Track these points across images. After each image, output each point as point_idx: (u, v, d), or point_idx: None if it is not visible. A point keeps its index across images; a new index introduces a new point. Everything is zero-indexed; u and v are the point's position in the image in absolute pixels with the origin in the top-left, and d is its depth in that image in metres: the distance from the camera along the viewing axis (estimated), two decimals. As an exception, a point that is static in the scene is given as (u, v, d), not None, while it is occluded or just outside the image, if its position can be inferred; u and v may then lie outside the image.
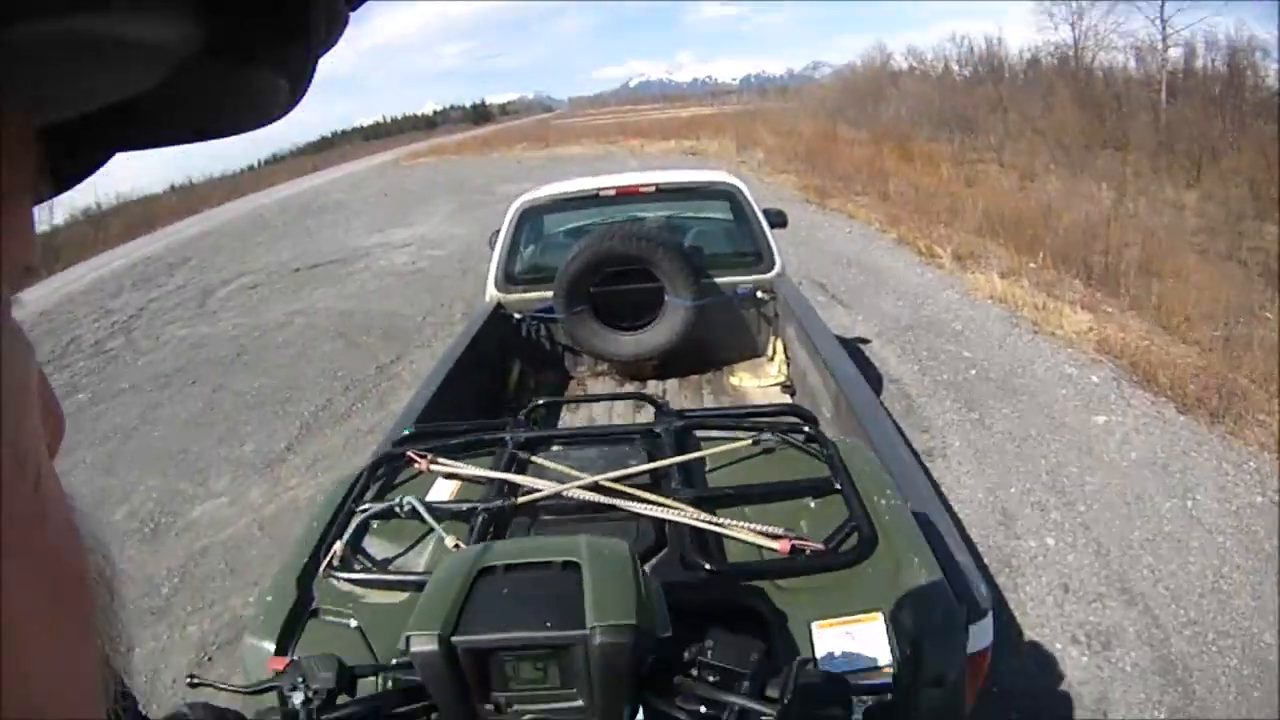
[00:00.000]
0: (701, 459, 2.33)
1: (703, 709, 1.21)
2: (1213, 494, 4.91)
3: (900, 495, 2.12)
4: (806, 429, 2.40)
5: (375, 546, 2.11)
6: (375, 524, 2.17)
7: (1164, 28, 22.92)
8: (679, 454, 2.29)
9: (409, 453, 2.43)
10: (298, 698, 1.30)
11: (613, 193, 5.47)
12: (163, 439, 7.18)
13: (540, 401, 3.08)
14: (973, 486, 5.08)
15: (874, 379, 6.59)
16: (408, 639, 1.23)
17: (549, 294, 5.08)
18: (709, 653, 1.25)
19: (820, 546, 1.87)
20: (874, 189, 16.40)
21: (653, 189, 5.48)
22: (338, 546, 2.03)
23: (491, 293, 5.39)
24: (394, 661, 1.50)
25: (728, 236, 5.61)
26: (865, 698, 1.26)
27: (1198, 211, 15.10)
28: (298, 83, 0.35)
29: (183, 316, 11.28)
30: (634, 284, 5.00)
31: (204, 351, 9.31)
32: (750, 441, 2.37)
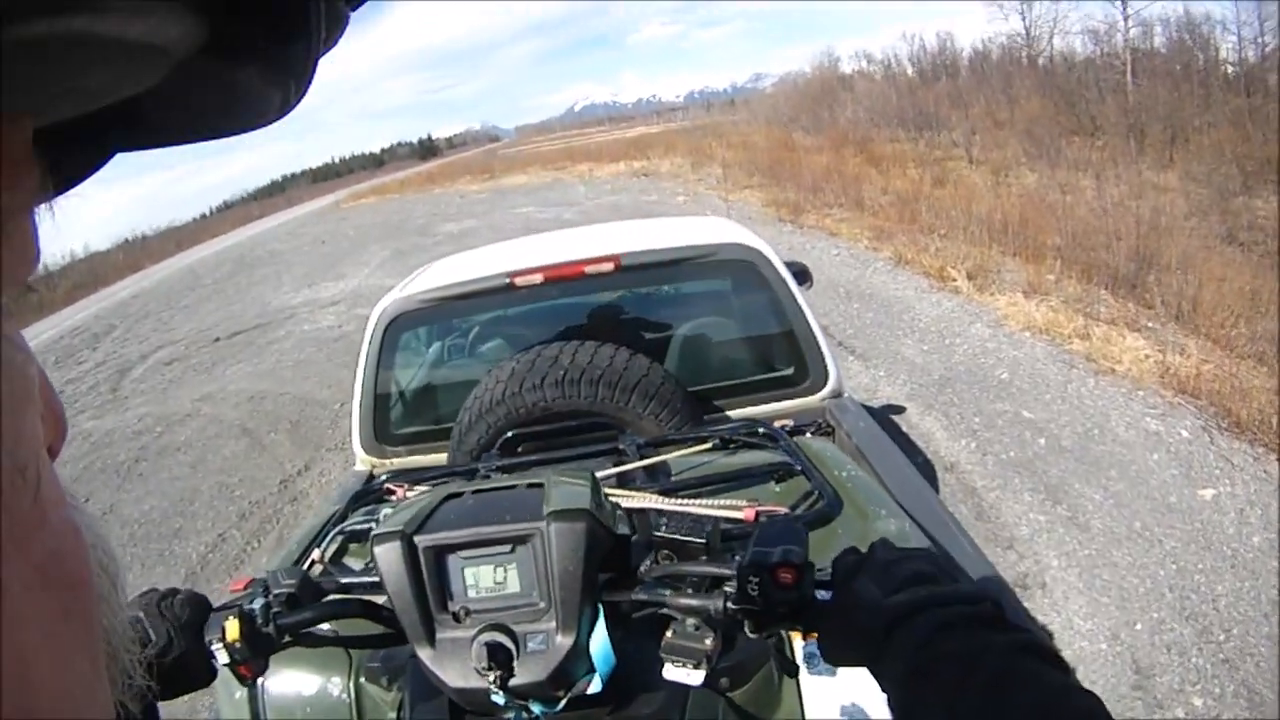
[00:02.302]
0: (664, 462, 2.36)
1: (662, 590, 1.21)
2: None
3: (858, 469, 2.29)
4: (761, 429, 2.51)
5: (353, 562, 2.13)
6: (353, 546, 2.21)
7: (1125, 5, 22.58)
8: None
9: (389, 485, 2.52)
10: (259, 603, 1.30)
11: (539, 279, 3.29)
12: None
13: (510, 433, 2.85)
14: (1091, 632, 3.99)
15: (924, 468, 5.24)
16: (372, 539, 1.26)
17: (445, 456, 3.18)
18: (663, 527, 1.41)
19: (785, 510, 1.91)
20: (847, 198, 15.45)
21: (610, 267, 3.29)
22: (316, 554, 2.12)
23: (360, 456, 3.48)
24: (358, 580, 1.72)
25: (747, 340, 3.61)
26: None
27: (1183, 193, 14.91)
28: (298, 83, 0.36)
29: (93, 404, 10.50)
30: (587, 437, 2.89)
31: (104, 455, 8.42)
32: (711, 446, 2.45)
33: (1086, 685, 1.70)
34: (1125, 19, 22.45)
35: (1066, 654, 1.89)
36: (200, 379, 10.51)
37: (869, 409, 3.33)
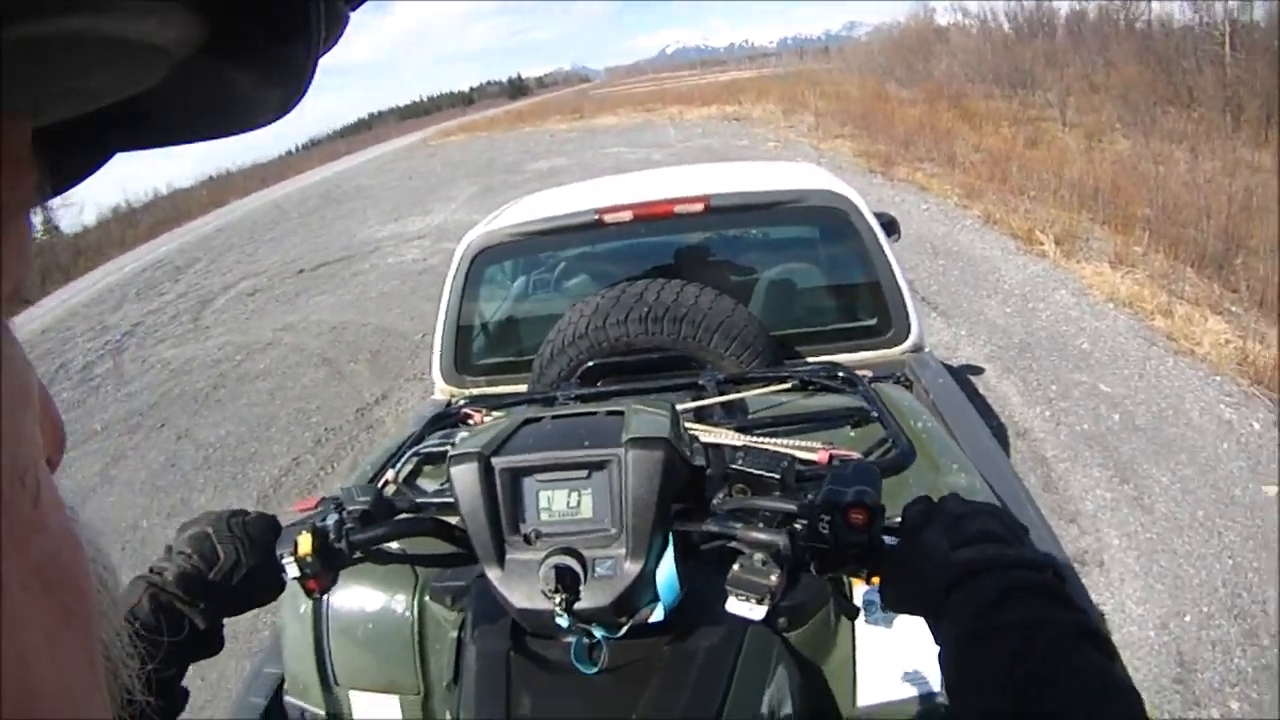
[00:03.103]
0: (743, 399, 2.37)
1: (733, 523, 1.21)
2: None
3: (934, 420, 2.26)
4: (841, 373, 2.50)
5: (427, 484, 2.13)
6: (428, 468, 2.23)
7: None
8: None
9: (465, 409, 2.56)
10: (332, 519, 1.34)
11: (628, 216, 3.27)
12: (114, 509, 6.25)
13: (591, 363, 2.86)
14: (1141, 618, 3.99)
15: (997, 431, 5.25)
16: (449, 459, 1.28)
17: (525, 388, 3.17)
18: (739, 461, 1.32)
19: (858, 455, 1.89)
20: (939, 153, 15.10)
21: (700, 208, 3.25)
22: (390, 475, 2.11)
23: (439, 385, 3.50)
24: (431, 500, 1.65)
25: (833, 289, 3.60)
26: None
27: (1276, 174, 14.25)
28: (298, 82, 0.35)
29: (174, 334, 10.58)
30: (667, 374, 2.85)
31: (183, 382, 8.54)
32: (789, 386, 2.46)
33: (1131, 671, 1.80)
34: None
35: (1115, 637, 1.92)
36: (282, 309, 10.56)
37: (948, 367, 3.28)
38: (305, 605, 1.89)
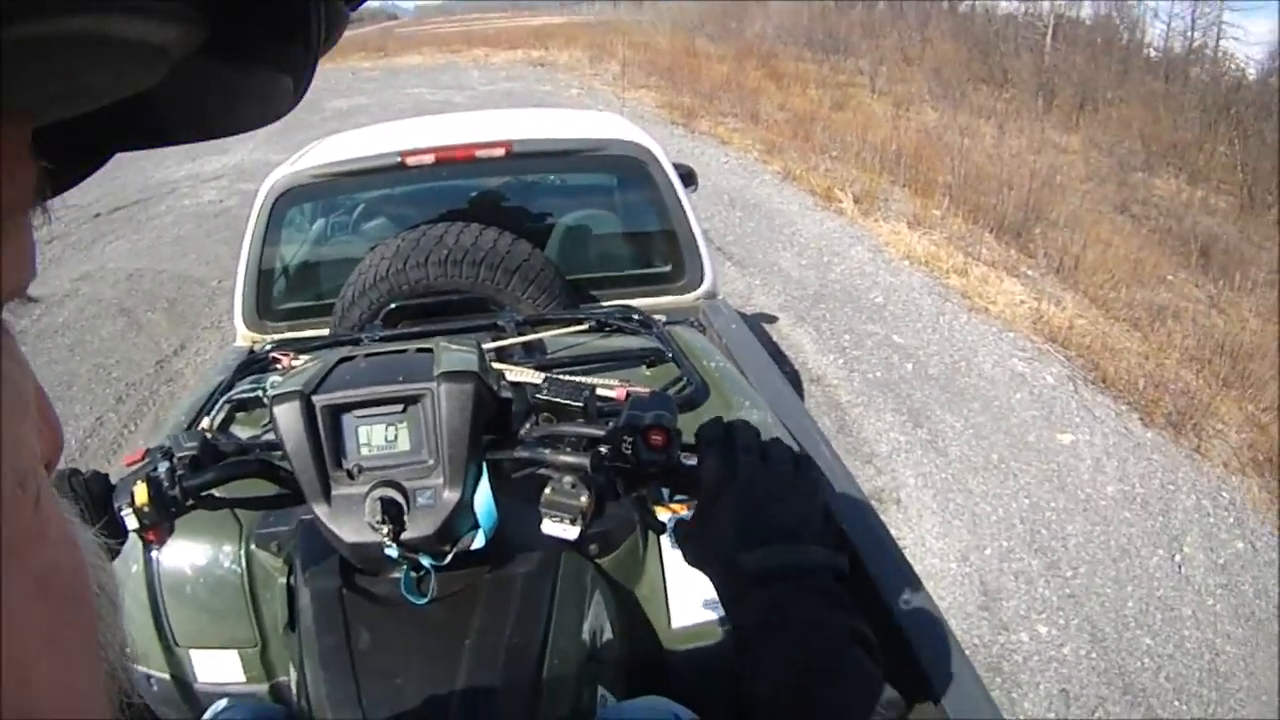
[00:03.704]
0: (541, 340, 2.51)
1: (541, 449, 1.28)
2: (1198, 541, 4.49)
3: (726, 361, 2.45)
4: (636, 316, 2.65)
5: (241, 431, 2.14)
6: (240, 414, 2.27)
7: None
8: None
9: (274, 354, 2.63)
10: (164, 466, 1.35)
11: (430, 160, 3.29)
12: None
13: (393, 305, 2.92)
14: (943, 551, 4.16)
15: (791, 377, 5.38)
16: (270, 399, 1.29)
17: (327, 332, 3.16)
18: (543, 391, 1.43)
19: (655, 390, 1.93)
20: (743, 110, 15.43)
21: (502, 153, 3.28)
22: (205, 422, 2.17)
23: (241, 331, 3.43)
24: (254, 443, 1.59)
25: (629, 236, 3.71)
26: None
27: (1083, 157, 15.27)
28: (299, 80, 0.37)
29: None
30: (468, 316, 2.91)
31: None
32: (586, 328, 2.61)
33: (936, 599, 1.94)
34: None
35: (917, 569, 2.00)
36: (79, 258, 9.97)
37: (742, 315, 3.43)
38: (137, 567, 1.89)
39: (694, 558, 1.08)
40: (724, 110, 15.48)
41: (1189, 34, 21.88)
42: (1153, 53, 22.35)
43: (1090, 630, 3.83)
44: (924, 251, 8.12)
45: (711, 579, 1.03)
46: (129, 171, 14.44)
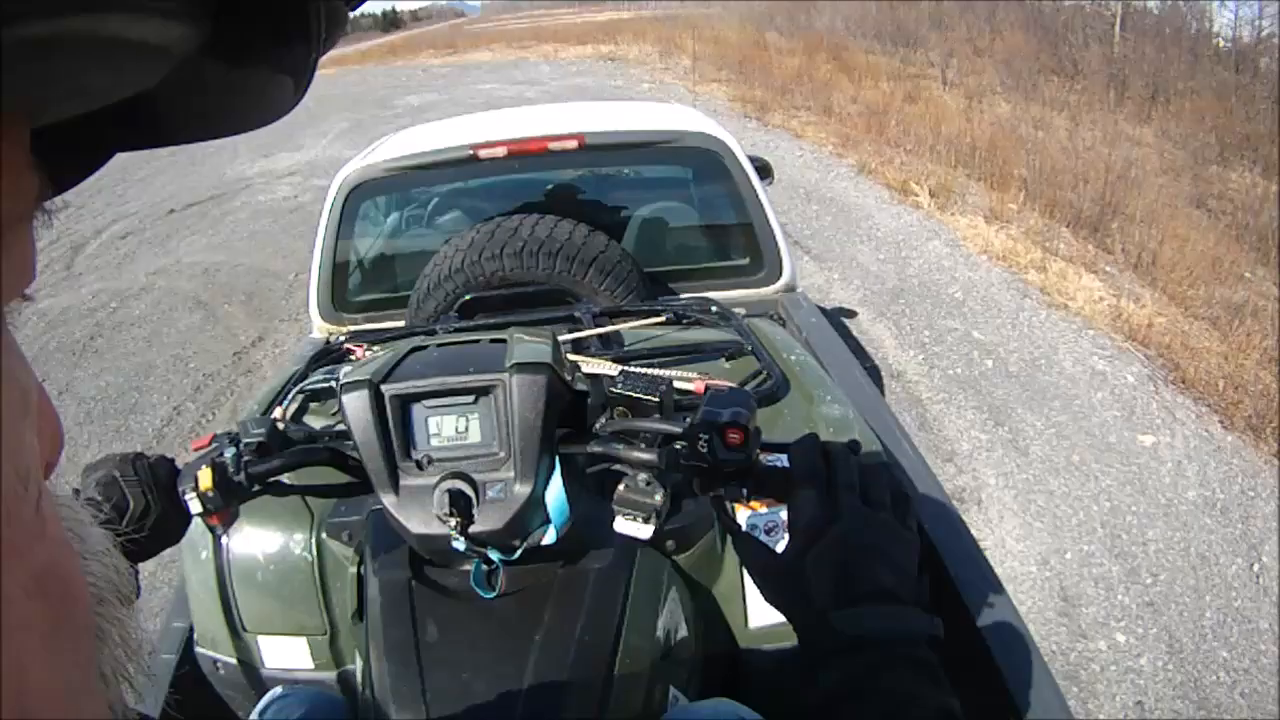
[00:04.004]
0: (618, 332, 2.44)
1: (616, 445, 1.25)
2: (1276, 551, 4.27)
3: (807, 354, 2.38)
4: (715, 308, 2.59)
5: (314, 420, 2.14)
6: (313, 405, 2.23)
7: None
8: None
9: (348, 344, 2.59)
10: (230, 452, 1.37)
11: (503, 152, 3.27)
12: None
13: (468, 297, 2.92)
14: (1022, 554, 4.10)
15: (871, 372, 5.27)
16: (340, 388, 1.29)
17: (402, 323, 3.18)
18: (618, 385, 1.33)
19: (734, 385, 1.92)
20: (816, 103, 15.24)
21: (574, 145, 3.27)
22: (277, 412, 2.11)
23: (317, 323, 3.48)
24: (324, 431, 1.76)
25: (706, 228, 3.68)
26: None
27: (1156, 150, 14.94)
28: (299, 81, 0.37)
29: (48, 283, 9.84)
30: (543, 308, 2.87)
31: (60, 334, 8.09)
32: (664, 320, 2.52)
33: (1016, 603, 1.91)
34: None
35: (998, 571, 2.00)
36: (154, 252, 10.17)
37: (820, 309, 3.39)
38: (206, 553, 1.89)
39: (777, 601, 1.03)
40: (797, 104, 15.32)
41: (1257, 22, 21.35)
42: (1222, 42, 21.83)
43: (1168, 640, 3.74)
44: (1002, 246, 7.99)
45: (796, 630, 0.99)
46: (202, 168, 14.57)
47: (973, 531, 2.64)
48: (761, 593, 1.04)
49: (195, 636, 1.96)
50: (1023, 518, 4.36)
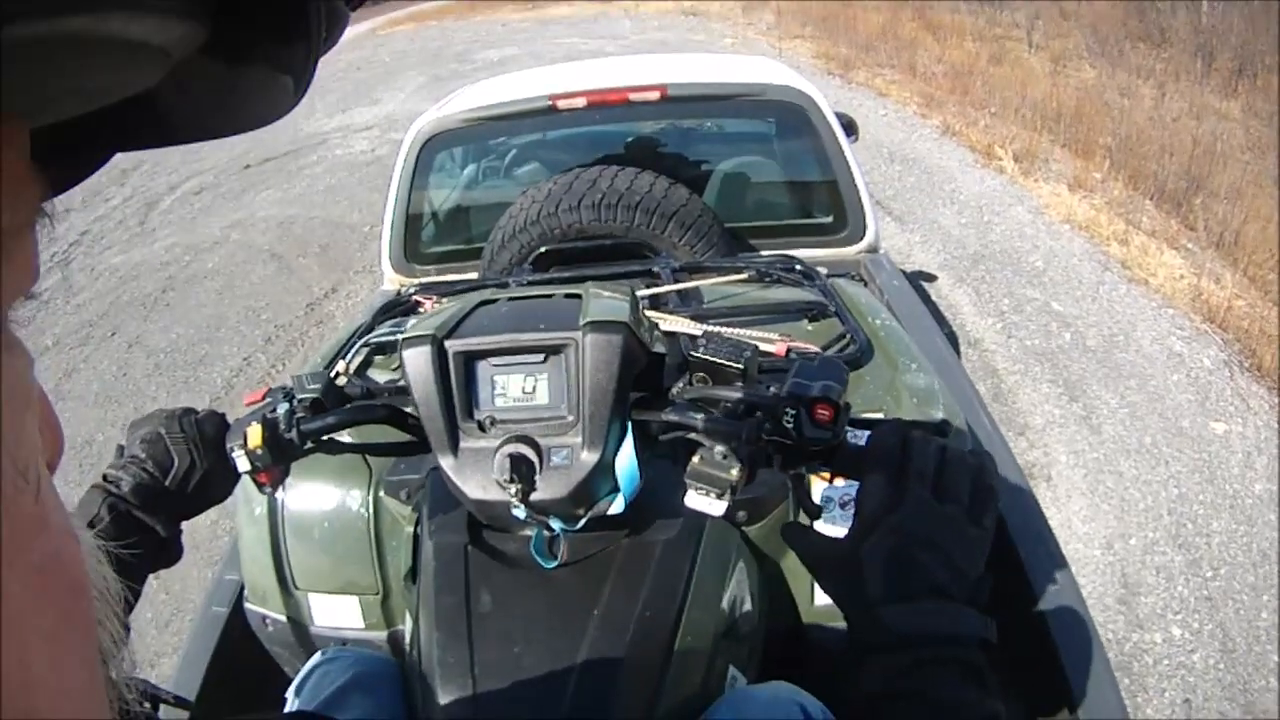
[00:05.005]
0: (698, 288, 2.38)
1: (693, 414, 1.19)
2: None
3: (892, 318, 2.24)
4: (799, 266, 2.50)
5: (378, 375, 2.10)
6: (378, 358, 2.20)
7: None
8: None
9: (416, 297, 2.51)
10: (282, 408, 1.36)
11: (582, 103, 3.18)
12: (69, 425, 5.81)
13: (543, 249, 2.85)
14: (1087, 536, 4.03)
15: (949, 338, 4.99)
16: (401, 343, 1.24)
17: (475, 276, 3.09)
18: (700, 348, 1.29)
19: (817, 349, 1.92)
20: (900, 61, 14.95)
21: (656, 96, 3.16)
22: (340, 366, 2.07)
23: (389, 275, 3.43)
24: (384, 387, 1.72)
25: (789, 184, 3.53)
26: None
27: (1243, 125, 14.46)
28: (299, 81, 0.37)
29: (121, 239, 10.03)
30: (621, 262, 2.79)
31: (132, 288, 8.19)
32: (746, 277, 2.43)
33: (1085, 603, 1.85)
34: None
35: (1064, 550, 1.95)
36: (229, 207, 10.20)
37: (901, 271, 3.30)
38: (260, 508, 1.85)
39: (830, 589, 0.99)
40: (880, 62, 15.05)
41: (1353, -6, 20.68)
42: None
43: (1222, 638, 3.66)
44: (1084, 216, 7.81)
45: (847, 620, 0.95)
46: (277, 127, 14.71)
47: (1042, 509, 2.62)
48: (817, 580, 1.02)
49: (245, 592, 1.95)
50: (1091, 498, 4.28)
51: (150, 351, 6.71)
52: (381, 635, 1.81)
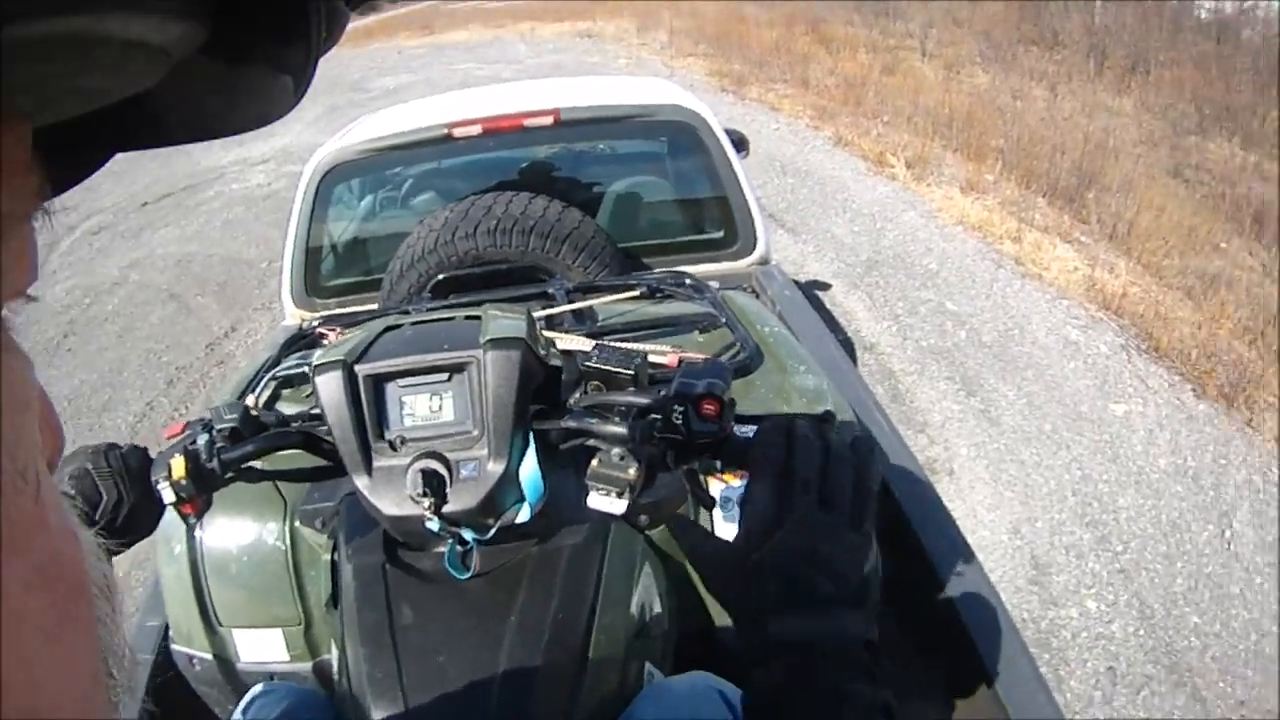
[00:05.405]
0: (592, 307, 2.43)
1: (590, 419, 1.27)
2: (1248, 518, 4.35)
3: (781, 326, 2.36)
4: (688, 280, 2.55)
5: (286, 407, 2.06)
6: (286, 391, 2.21)
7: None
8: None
9: (321, 329, 2.55)
10: (203, 439, 1.37)
11: (478, 130, 3.25)
12: None
13: (441, 277, 2.91)
14: (993, 524, 4.13)
15: (844, 344, 5.04)
16: (313, 369, 1.29)
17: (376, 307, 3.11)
18: (593, 359, 1.38)
19: (707, 357, 1.95)
20: (793, 75, 15.19)
21: (550, 121, 3.25)
22: (250, 399, 2.06)
23: (289, 309, 3.43)
24: (297, 415, 1.66)
25: (681, 202, 3.67)
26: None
27: (1135, 120, 15.00)
28: (299, 80, 0.37)
29: None
30: (517, 286, 2.82)
31: (33, 333, 7.85)
32: (638, 294, 2.50)
33: (987, 571, 1.99)
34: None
35: (969, 540, 2.05)
36: (128, 245, 10.13)
37: (795, 282, 3.42)
38: (180, 546, 1.85)
39: (718, 594, 1.07)
40: (774, 77, 15.30)
41: (1241, -9, 21.47)
42: (1204, 13, 21.94)
43: (1139, 607, 3.79)
44: (977, 217, 8.00)
45: (736, 626, 1.01)
46: (176, 158, 14.48)
47: (945, 502, 2.68)
48: (704, 584, 1.10)
49: (170, 634, 1.94)
50: (994, 487, 4.38)
51: (55, 399, 6.47)
52: (307, 666, 1.82)
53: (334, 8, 0.35)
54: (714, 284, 2.63)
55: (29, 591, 0.29)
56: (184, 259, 9.03)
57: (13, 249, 0.29)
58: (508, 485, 1.25)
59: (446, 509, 1.22)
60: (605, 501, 1.19)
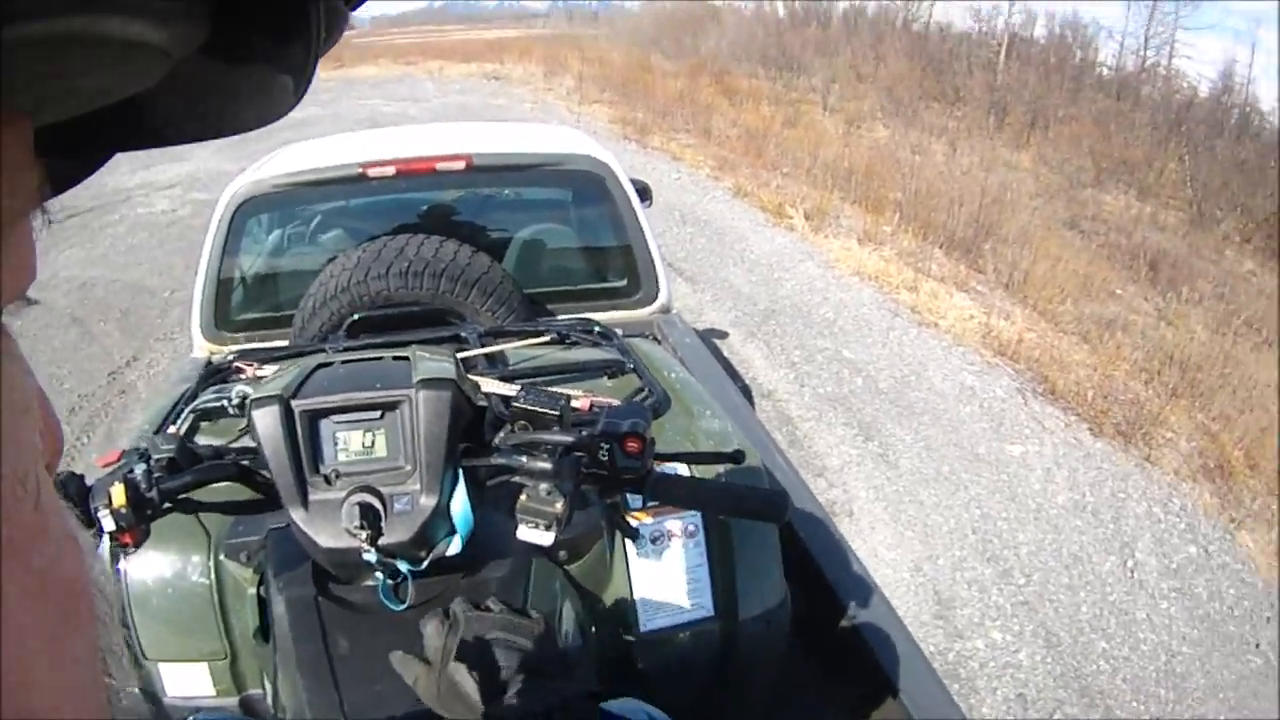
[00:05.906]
0: (502, 352, 2.51)
1: (518, 456, 1.35)
2: (1150, 547, 4.61)
3: (686, 372, 2.51)
4: (596, 328, 2.67)
5: (205, 440, 2.02)
6: (204, 424, 2.21)
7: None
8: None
9: (237, 363, 2.56)
10: (140, 469, 1.34)
11: (391, 172, 3.35)
12: None
13: (356, 317, 2.94)
14: (895, 562, 4.22)
15: (743, 391, 5.11)
16: (250, 404, 1.34)
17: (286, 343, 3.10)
18: (520, 400, 1.43)
19: (618, 403, 1.96)
20: (696, 125, 15.56)
21: (462, 166, 3.35)
22: (171, 430, 2.08)
23: (198, 342, 3.41)
24: (232, 447, 1.62)
25: (586, 250, 3.79)
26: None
27: (1033, 174, 15.46)
28: (299, 80, 0.37)
29: None
30: (429, 328, 2.89)
31: None
32: (547, 340, 2.60)
33: (892, 606, 2.12)
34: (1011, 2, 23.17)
35: (876, 576, 2.22)
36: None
37: (694, 330, 3.53)
38: (102, 579, 1.72)
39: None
40: (677, 126, 15.58)
41: (1142, 52, 22.27)
42: (1105, 71, 22.68)
43: (1045, 635, 3.91)
44: (874, 267, 8.21)
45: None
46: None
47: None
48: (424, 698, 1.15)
49: None
50: (894, 527, 4.47)
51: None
52: (233, 701, 1.84)
53: (334, 7, 0.36)
54: (619, 331, 2.73)
55: (29, 598, 0.29)
56: (88, 283, 8.87)
57: (12, 249, 0.29)
58: (439, 519, 1.31)
59: (382, 541, 1.28)
60: (534, 534, 1.27)
